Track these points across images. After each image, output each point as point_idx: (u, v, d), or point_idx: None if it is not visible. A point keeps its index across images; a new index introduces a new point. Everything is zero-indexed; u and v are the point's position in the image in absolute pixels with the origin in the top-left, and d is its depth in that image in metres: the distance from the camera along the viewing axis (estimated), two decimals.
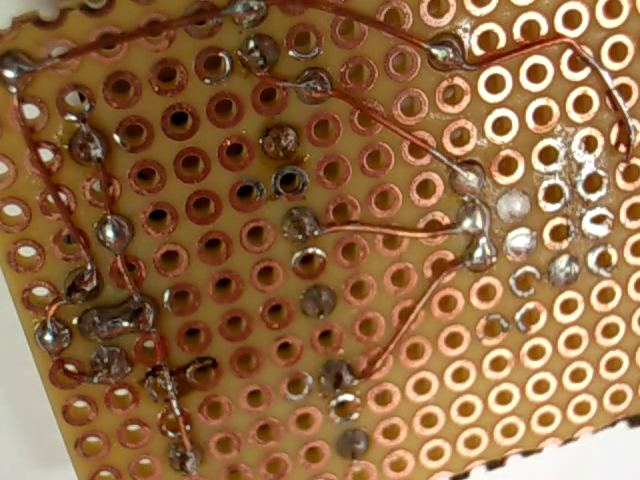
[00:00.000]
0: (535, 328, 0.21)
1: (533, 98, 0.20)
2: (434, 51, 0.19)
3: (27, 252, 0.19)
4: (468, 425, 0.22)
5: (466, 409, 0.21)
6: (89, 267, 0.19)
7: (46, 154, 0.18)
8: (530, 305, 0.21)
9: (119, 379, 0.19)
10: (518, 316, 0.21)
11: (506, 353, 0.21)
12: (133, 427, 0.20)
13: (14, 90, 0.17)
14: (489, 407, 0.22)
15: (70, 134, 0.18)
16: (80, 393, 0.19)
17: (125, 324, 0.19)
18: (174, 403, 0.20)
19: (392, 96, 0.19)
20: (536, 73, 0.19)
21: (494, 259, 0.20)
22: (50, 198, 0.18)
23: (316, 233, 0.19)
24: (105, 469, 0.20)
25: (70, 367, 0.19)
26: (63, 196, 0.18)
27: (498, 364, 0.21)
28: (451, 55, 0.19)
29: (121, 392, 0.20)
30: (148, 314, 0.19)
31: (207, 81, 0.18)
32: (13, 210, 0.18)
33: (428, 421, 0.21)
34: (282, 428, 0.21)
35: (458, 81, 0.19)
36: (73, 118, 0.18)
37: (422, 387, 0.21)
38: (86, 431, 0.20)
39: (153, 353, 0.20)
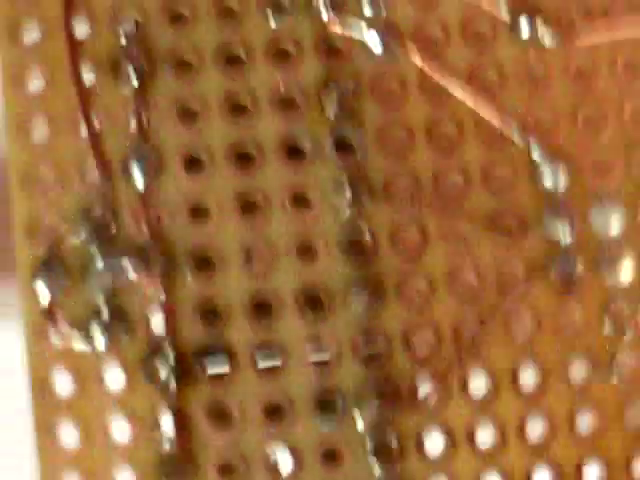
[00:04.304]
0: None
1: None
2: None
3: (47, 176, 0.17)
4: None
5: None
6: (106, 201, 0.17)
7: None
8: None
9: (111, 345, 0.16)
10: None
11: None
12: None
13: None
14: None
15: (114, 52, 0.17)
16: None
17: (131, 270, 0.16)
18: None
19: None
20: None
21: None
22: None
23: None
24: None
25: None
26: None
27: None
28: None
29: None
30: (159, 265, 0.16)
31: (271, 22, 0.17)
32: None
33: None
34: None
35: None
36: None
37: None
38: None
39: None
